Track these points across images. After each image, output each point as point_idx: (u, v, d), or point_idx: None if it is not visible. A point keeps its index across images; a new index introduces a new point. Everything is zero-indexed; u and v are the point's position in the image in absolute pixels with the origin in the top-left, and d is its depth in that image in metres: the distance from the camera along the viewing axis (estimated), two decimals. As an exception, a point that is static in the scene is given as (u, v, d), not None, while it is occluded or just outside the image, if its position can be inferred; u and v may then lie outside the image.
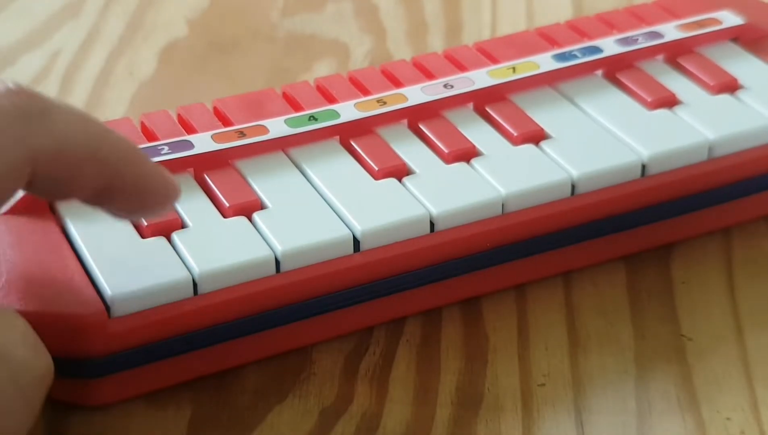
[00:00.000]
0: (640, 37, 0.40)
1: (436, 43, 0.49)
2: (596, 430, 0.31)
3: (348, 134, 0.36)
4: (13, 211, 0.33)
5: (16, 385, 0.25)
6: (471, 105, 0.38)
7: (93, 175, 0.28)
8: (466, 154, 0.36)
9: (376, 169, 0.35)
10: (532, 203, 0.34)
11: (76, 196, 0.29)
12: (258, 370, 0.33)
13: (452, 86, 0.38)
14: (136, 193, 0.29)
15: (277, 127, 0.36)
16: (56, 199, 0.29)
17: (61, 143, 0.27)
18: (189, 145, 0.35)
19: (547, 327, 0.34)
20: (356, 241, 0.33)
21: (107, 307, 0.30)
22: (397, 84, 0.39)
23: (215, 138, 0.35)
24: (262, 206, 0.34)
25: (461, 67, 0.39)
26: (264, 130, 0.36)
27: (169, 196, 0.30)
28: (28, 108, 0.26)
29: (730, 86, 0.39)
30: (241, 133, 0.36)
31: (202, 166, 0.35)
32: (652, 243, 0.37)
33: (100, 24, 0.50)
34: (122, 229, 0.32)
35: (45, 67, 0.47)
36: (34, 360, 0.26)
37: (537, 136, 0.36)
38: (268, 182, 0.34)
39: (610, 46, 0.40)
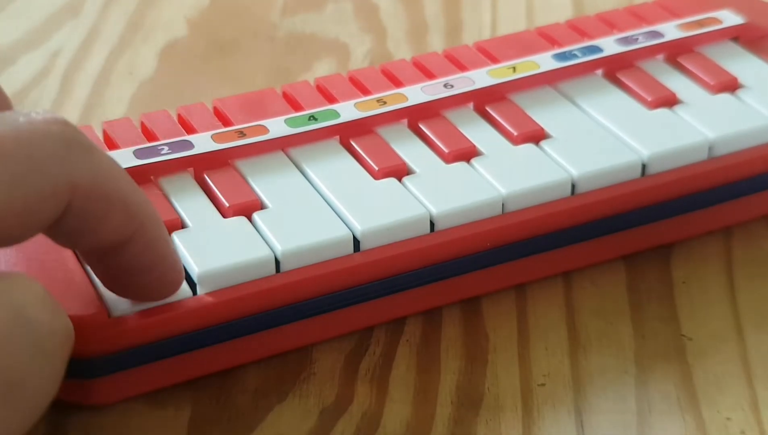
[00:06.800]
0: (641, 37, 0.40)
1: (436, 43, 0.49)
2: (596, 430, 0.31)
3: (348, 134, 0.36)
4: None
5: (40, 349, 0.25)
6: (471, 105, 0.38)
7: (119, 223, 0.28)
8: (466, 153, 0.36)
9: (376, 168, 0.35)
10: (532, 203, 0.34)
11: (97, 242, 0.28)
12: (258, 370, 0.33)
13: (452, 86, 0.38)
14: (150, 256, 0.29)
15: (277, 127, 0.36)
16: (77, 244, 0.28)
17: (99, 180, 0.27)
18: (189, 145, 0.35)
19: (547, 327, 0.34)
20: (356, 241, 0.33)
21: (107, 308, 0.30)
22: (397, 84, 0.39)
23: (215, 138, 0.35)
24: (262, 206, 0.34)
25: (461, 67, 0.39)
26: (264, 130, 0.36)
27: (177, 274, 0.30)
28: (73, 138, 0.26)
29: (731, 85, 0.39)
30: (241, 133, 0.35)
31: (202, 166, 0.35)
32: (652, 243, 0.37)
33: (100, 24, 0.50)
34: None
35: (45, 67, 0.47)
36: (54, 322, 0.25)
37: (537, 136, 0.36)
38: (268, 182, 0.34)
39: (610, 45, 0.40)
